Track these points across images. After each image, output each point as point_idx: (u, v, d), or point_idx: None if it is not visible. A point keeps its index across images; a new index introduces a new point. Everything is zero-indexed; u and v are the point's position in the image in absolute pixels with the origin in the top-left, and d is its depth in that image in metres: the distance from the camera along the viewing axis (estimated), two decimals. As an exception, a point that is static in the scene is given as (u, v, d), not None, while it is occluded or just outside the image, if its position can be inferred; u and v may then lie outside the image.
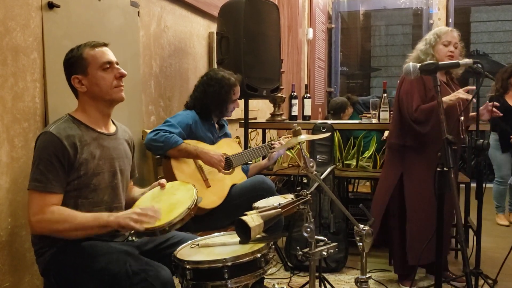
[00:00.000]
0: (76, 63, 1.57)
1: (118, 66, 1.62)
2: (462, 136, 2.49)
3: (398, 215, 2.58)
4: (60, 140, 1.49)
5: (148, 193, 1.72)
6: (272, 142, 2.60)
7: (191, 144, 2.28)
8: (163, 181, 1.71)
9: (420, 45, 2.60)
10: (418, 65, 1.73)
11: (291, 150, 3.78)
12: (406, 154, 2.55)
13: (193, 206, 1.54)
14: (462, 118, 2.46)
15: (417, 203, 2.51)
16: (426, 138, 2.45)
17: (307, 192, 1.57)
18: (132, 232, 1.69)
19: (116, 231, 1.65)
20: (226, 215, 2.29)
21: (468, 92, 2.32)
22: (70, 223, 1.44)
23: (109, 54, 1.61)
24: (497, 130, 3.91)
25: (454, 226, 2.94)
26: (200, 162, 2.32)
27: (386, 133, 4.20)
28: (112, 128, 1.71)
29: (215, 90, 2.38)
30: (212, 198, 2.28)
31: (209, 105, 2.40)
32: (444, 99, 2.34)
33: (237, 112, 3.73)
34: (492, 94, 3.96)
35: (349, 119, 4.78)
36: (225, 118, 2.62)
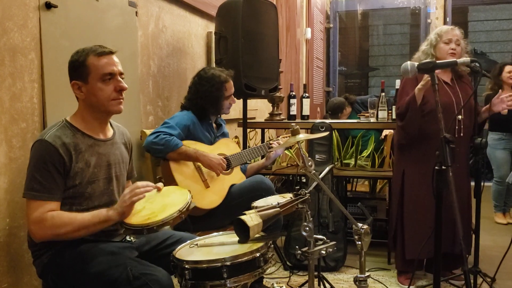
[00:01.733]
0: (78, 69, 1.54)
1: (120, 78, 1.58)
2: (460, 135, 2.48)
3: (400, 211, 2.60)
4: (56, 148, 1.47)
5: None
6: (270, 142, 2.60)
7: (190, 146, 2.28)
8: (160, 185, 1.68)
9: (423, 46, 2.62)
10: (416, 63, 1.73)
11: (289, 149, 3.78)
12: (407, 152, 2.58)
13: (184, 209, 1.53)
14: (460, 117, 2.46)
15: (414, 199, 2.54)
16: (422, 136, 2.46)
17: (306, 191, 1.58)
18: (122, 231, 1.68)
19: (114, 230, 1.66)
20: (225, 215, 2.29)
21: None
22: (71, 225, 1.44)
23: (113, 65, 1.56)
24: (495, 128, 3.92)
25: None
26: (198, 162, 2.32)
27: (385, 132, 4.21)
28: (110, 133, 1.69)
29: (206, 89, 2.37)
30: (212, 198, 2.28)
31: (203, 105, 2.39)
32: (418, 86, 2.35)
33: (236, 112, 3.74)
34: (489, 93, 3.98)
35: (348, 118, 4.78)
36: (224, 117, 2.62)
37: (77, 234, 1.46)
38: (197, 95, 2.40)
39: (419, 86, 2.36)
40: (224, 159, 2.32)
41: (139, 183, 1.52)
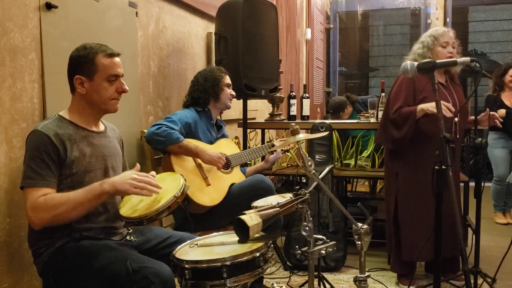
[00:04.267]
0: (84, 65, 1.57)
1: (122, 81, 1.63)
2: (456, 137, 2.48)
3: (395, 213, 2.59)
4: (49, 137, 1.50)
5: None
6: (272, 144, 2.60)
7: (192, 142, 2.29)
8: (152, 173, 1.69)
9: (416, 48, 2.57)
10: (416, 63, 1.73)
11: (288, 152, 3.78)
12: (400, 154, 2.56)
13: (179, 194, 1.58)
14: (457, 119, 2.45)
15: (408, 201, 2.52)
16: (419, 138, 2.46)
17: (306, 191, 1.58)
18: (123, 224, 1.69)
19: (114, 229, 1.66)
20: (225, 215, 2.29)
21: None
22: (66, 204, 1.44)
23: (118, 67, 1.62)
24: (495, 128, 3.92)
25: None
26: (199, 160, 2.32)
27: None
28: (101, 127, 1.72)
29: (206, 75, 2.49)
30: (212, 196, 2.29)
31: (203, 88, 2.45)
32: (423, 106, 2.37)
33: (236, 112, 3.74)
34: (489, 94, 3.98)
35: (349, 118, 4.78)
36: (224, 117, 2.63)
37: (75, 213, 1.46)
38: (197, 84, 2.49)
39: (423, 107, 2.35)
40: (223, 153, 2.33)
41: (153, 180, 1.50)
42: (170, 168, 2.23)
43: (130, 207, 1.60)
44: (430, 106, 2.33)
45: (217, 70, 2.52)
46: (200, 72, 2.56)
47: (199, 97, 2.46)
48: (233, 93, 2.55)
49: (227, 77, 2.54)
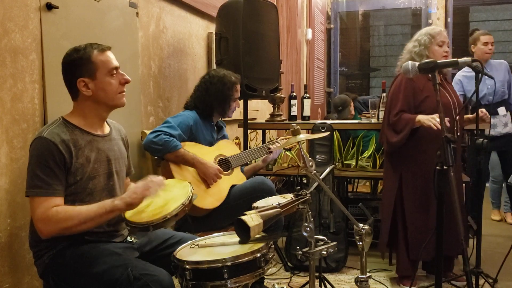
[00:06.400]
0: (83, 66, 1.55)
1: (122, 72, 1.62)
2: (457, 135, 2.48)
3: (402, 215, 2.58)
4: (56, 145, 1.47)
5: None
6: (270, 146, 2.58)
7: (191, 147, 2.28)
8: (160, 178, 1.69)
9: (412, 47, 2.58)
10: (417, 63, 1.73)
11: (290, 151, 3.78)
12: (404, 154, 2.56)
13: (187, 202, 1.57)
14: (457, 117, 2.46)
15: (416, 202, 2.53)
16: (421, 137, 2.46)
17: (307, 192, 1.57)
18: (128, 228, 1.70)
19: (116, 231, 1.66)
20: (226, 216, 2.29)
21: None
22: (77, 218, 1.44)
23: (114, 59, 1.61)
24: None
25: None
26: None
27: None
28: (107, 129, 1.70)
29: (217, 88, 2.40)
30: (212, 199, 2.28)
31: (211, 103, 2.40)
32: (421, 118, 2.37)
33: (237, 113, 3.71)
34: None
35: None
36: (226, 119, 2.62)
37: (84, 227, 1.46)
38: (206, 93, 2.41)
39: (420, 120, 2.35)
40: (221, 169, 2.32)
41: (154, 178, 1.53)
42: (169, 174, 2.22)
43: (136, 211, 1.58)
44: (426, 120, 2.33)
45: (229, 82, 2.40)
46: (212, 78, 2.43)
47: (203, 109, 2.41)
48: (238, 105, 2.52)
49: (238, 88, 2.46)
